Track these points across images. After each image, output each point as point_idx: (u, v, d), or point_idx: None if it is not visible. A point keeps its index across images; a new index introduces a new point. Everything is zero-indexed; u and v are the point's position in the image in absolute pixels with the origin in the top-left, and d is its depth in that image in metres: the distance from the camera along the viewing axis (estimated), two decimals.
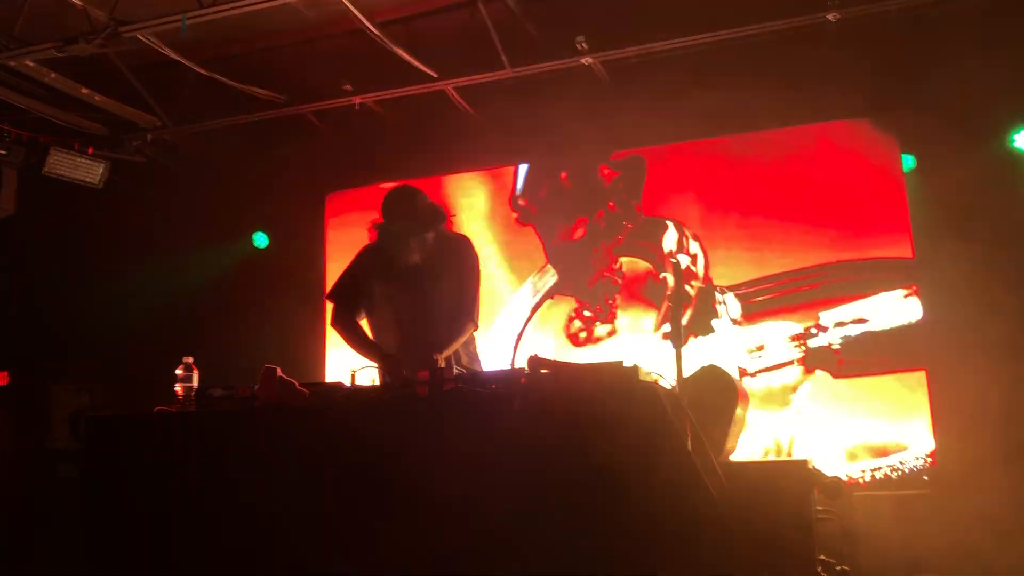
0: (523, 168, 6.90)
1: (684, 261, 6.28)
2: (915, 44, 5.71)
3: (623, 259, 6.51)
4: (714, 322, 6.19)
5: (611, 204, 6.61)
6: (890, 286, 5.79)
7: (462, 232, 4.28)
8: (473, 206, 6.97)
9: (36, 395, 6.64)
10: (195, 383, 3.57)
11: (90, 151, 6.65)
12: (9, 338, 6.88)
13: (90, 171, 6.62)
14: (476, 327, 4.17)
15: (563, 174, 6.79)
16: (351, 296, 4.21)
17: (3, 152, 6.24)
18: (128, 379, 6.46)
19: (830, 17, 5.44)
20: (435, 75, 6.20)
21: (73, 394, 6.47)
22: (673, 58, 6.00)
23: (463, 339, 4.10)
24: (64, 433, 6.29)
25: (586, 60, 5.96)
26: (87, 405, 6.39)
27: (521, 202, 6.85)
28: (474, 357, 4.23)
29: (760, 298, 6.12)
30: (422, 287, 4.10)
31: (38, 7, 5.42)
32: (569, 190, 6.75)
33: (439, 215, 4.17)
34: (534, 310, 6.70)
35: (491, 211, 6.92)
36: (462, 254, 4.18)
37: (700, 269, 6.29)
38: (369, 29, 5.68)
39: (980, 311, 5.42)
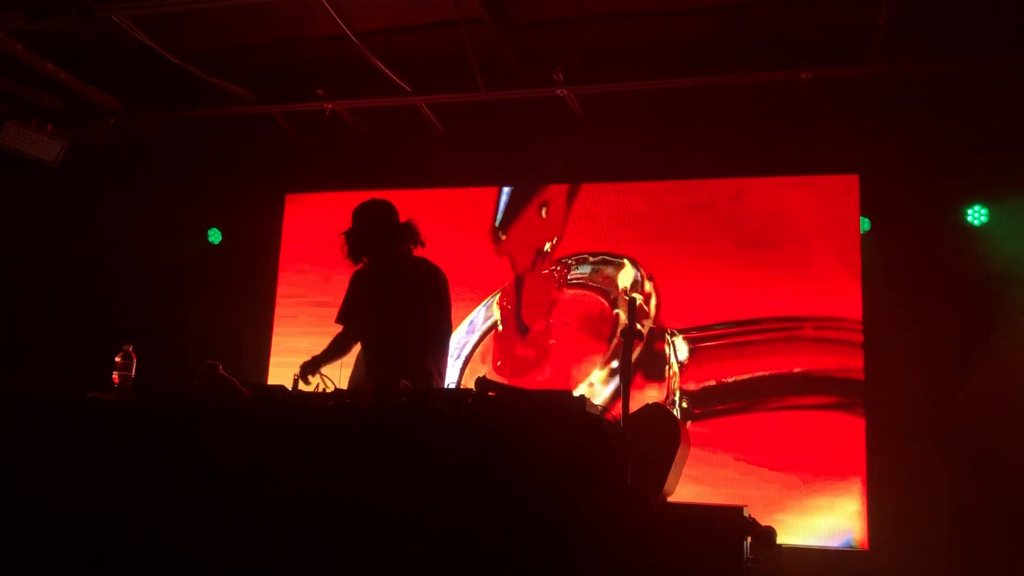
0: (504, 194, 6.84)
1: (638, 299, 6.31)
2: (883, 109, 5.86)
3: (573, 291, 6.53)
4: (661, 363, 6.22)
5: (569, 236, 6.63)
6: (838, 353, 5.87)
7: (428, 259, 4.40)
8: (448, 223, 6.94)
9: None
10: (133, 372, 3.49)
11: (49, 128, 6.49)
12: None
13: (47, 148, 6.46)
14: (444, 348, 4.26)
15: (532, 203, 6.77)
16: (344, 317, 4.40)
17: None
18: (65, 363, 6.28)
19: (803, 75, 5.56)
20: (409, 89, 6.19)
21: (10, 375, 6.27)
22: (646, 98, 6.06)
23: (434, 358, 4.17)
24: None
25: (561, 91, 6.00)
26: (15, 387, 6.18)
27: (500, 233, 6.78)
28: (441, 375, 4.25)
29: (708, 343, 6.17)
30: (389, 302, 4.17)
31: None
32: (534, 220, 6.74)
33: (416, 231, 4.24)
34: (483, 336, 6.68)
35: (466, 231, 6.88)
36: (432, 278, 4.24)
37: (652, 309, 6.33)
38: (349, 36, 5.66)
39: (923, 369, 5.53)
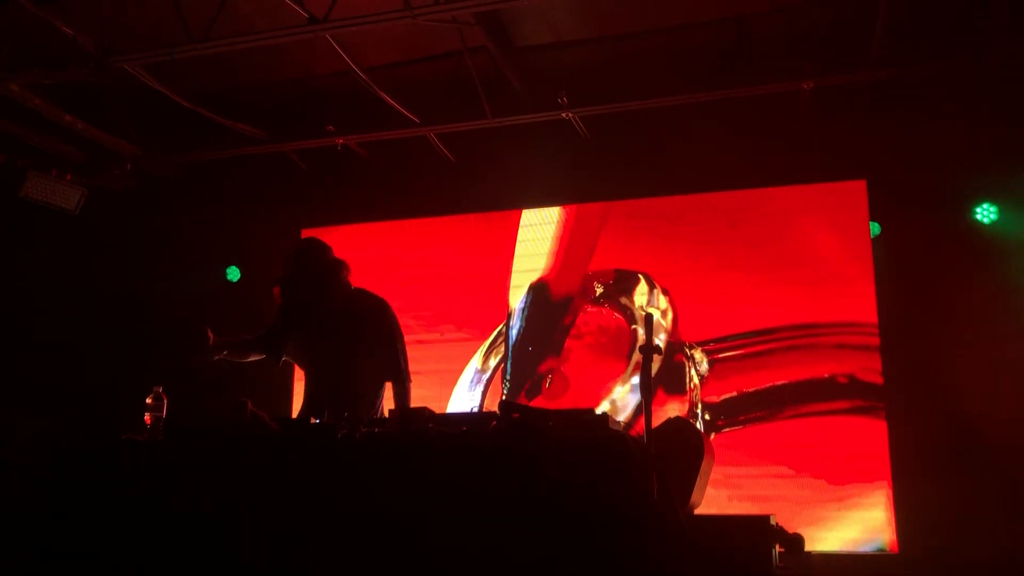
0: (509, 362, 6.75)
1: (655, 314, 6.36)
2: (886, 113, 5.92)
3: (591, 308, 6.58)
4: (681, 377, 6.25)
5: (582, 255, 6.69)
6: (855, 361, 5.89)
7: (378, 295, 4.46)
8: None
9: None
10: (164, 412, 3.57)
11: (68, 177, 6.62)
12: None
13: (67, 197, 6.59)
14: (405, 381, 4.27)
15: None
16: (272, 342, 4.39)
17: None
18: (94, 407, 6.38)
19: (804, 85, 5.62)
20: (417, 120, 6.29)
21: (34, 418, 6.36)
22: (652, 115, 6.13)
23: (404, 399, 4.23)
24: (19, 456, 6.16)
25: (566, 114, 6.08)
26: (49, 430, 6.28)
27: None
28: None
29: (727, 354, 6.20)
30: (341, 341, 4.23)
31: (27, 32, 5.45)
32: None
33: (346, 268, 4.30)
34: (503, 360, 6.73)
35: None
36: (381, 314, 4.33)
37: (669, 323, 6.37)
38: (356, 71, 5.77)
39: (942, 369, 5.54)
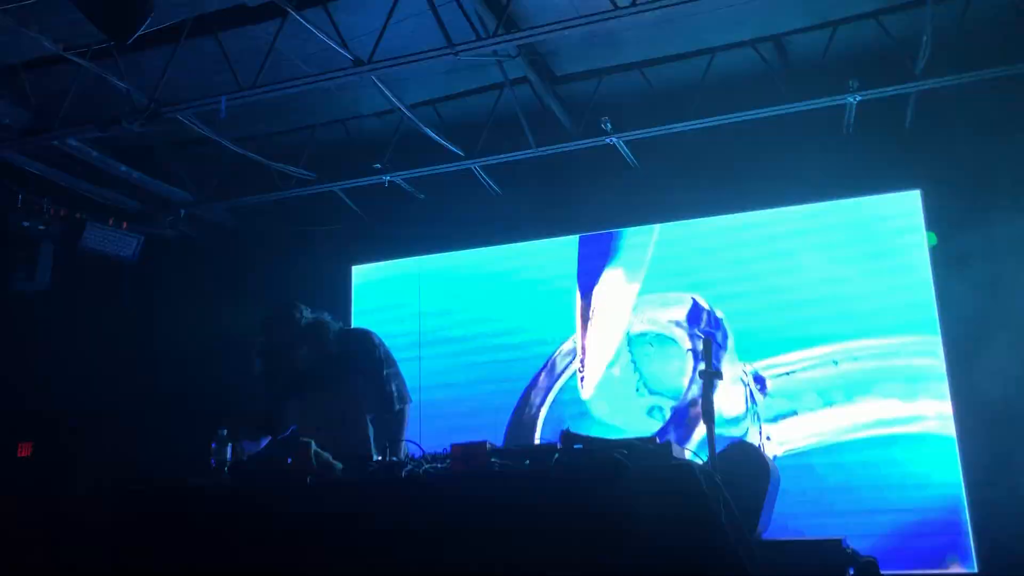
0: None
1: (710, 336, 6.30)
2: (937, 123, 5.83)
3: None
4: (740, 399, 6.17)
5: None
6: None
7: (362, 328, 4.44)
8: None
9: (59, 470, 6.65)
10: (229, 455, 3.61)
11: (124, 226, 6.79)
12: (36, 409, 6.92)
13: (125, 246, 6.75)
14: (403, 406, 4.20)
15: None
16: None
17: (42, 227, 6.37)
18: (158, 451, 6.47)
19: (851, 99, 5.56)
20: (462, 154, 6.34)
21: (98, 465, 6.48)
22: (697, 136, 6.10)
23: (400, 425, 4.16)
24: None
25: (610, 139, 6.08)
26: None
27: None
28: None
29: (786, 374, 6.10)
30: (330, 392, 4.18)
31: (81, 88, 5.62)
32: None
33: (320, 327, 4.22)
34: (559, 382, 6.70)
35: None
36: (360, 349, 4.26)
37: (727, 344, 6.30)
38: (401, 109, 5.85)
39: (1012, 380, 5.38)
